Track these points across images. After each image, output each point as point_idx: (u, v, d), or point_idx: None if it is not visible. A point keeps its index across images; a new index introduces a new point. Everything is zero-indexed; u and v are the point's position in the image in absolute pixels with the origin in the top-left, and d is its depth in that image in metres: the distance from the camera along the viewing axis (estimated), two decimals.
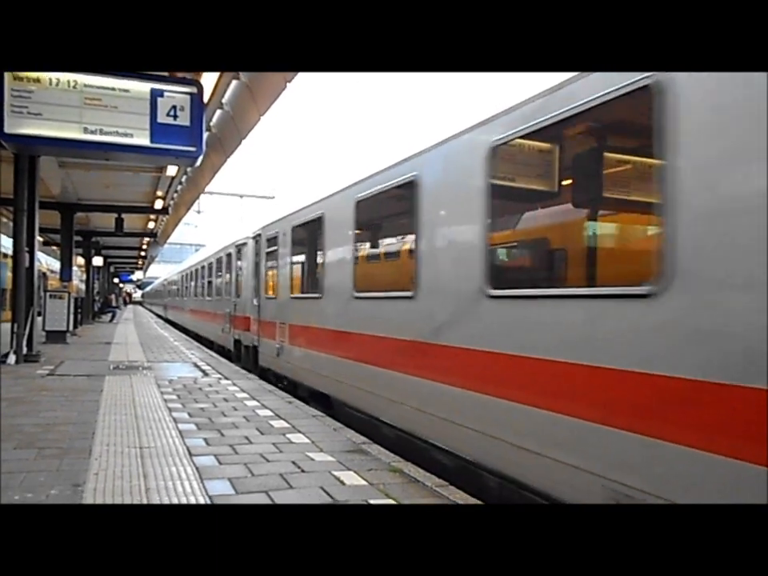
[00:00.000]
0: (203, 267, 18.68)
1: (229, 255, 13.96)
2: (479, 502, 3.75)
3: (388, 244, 6.58)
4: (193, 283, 21.49)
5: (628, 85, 2.90)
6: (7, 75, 7.17)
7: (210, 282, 17.32)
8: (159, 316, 36.87)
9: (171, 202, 19.20)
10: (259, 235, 10.56)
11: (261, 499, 3.60)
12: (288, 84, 8.74)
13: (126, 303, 60.71)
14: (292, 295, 8.54)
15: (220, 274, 15.35)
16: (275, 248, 9.35)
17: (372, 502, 3.59)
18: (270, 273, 9.98)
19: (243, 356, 11.97)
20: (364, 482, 3.99)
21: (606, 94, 3.05)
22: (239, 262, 12.63)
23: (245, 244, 12.04)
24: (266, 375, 9.89)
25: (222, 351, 14.26)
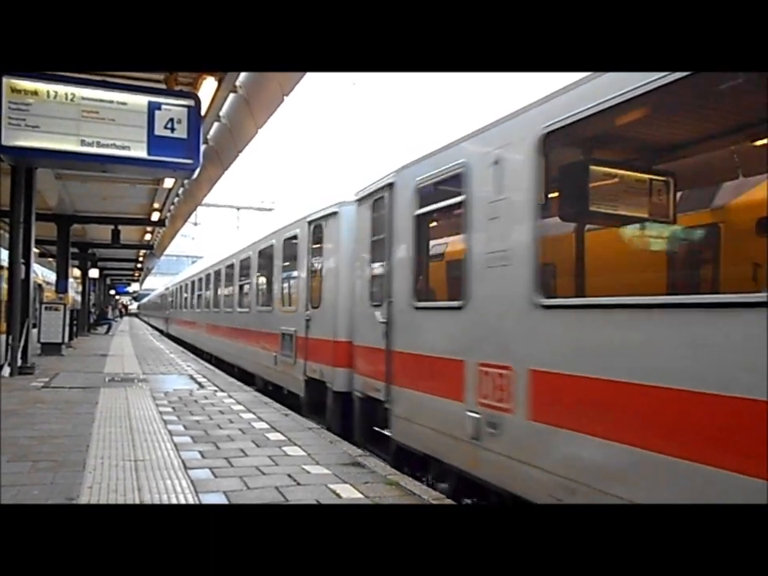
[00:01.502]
0: (230, 266, 13.48)
1: (289, 241, 9.05)
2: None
3: None
4: (213, 290, 16.04)
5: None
6: (5, 88, 7.21)
7: (243, 287, 12.42)
8: (161, 331, 32.37)
9: (168, 214, 19.25)
10: (389, 186, 5.56)
11: None
12: (285, 97, 8.80)
13: (121, 315, 60.68)
14: (544, 300, 3.49)
15: (265, 272, 10.52)
16: (453, 201, 4.54)
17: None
18: (424, 257, 5.33)
19: (330, 410, 7.12)
20: (360, 495, 3.98)
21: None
22: (314, 249, 7.95)
23: (332, 215, 7.35)
24: (420, 465, 5.03)
25: (278, 395, 8.84)
